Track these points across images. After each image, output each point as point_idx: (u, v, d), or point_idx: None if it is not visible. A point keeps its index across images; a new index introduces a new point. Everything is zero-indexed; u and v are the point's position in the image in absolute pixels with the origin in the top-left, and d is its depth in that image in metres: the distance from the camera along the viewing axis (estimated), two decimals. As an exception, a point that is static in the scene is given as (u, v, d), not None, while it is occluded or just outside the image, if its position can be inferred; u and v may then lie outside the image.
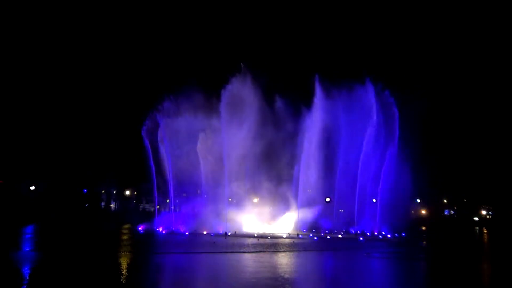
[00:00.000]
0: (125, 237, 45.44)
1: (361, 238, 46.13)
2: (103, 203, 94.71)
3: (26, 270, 23.18)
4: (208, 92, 55.60)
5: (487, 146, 76.25)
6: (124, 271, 23.62)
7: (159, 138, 54.03)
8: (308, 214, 55.54)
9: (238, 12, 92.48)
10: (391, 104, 52.27)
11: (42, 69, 78.84)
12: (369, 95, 52.78)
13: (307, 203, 55.31)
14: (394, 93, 52.51)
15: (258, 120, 55.64)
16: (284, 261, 28.53)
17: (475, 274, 24.47)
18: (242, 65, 55.38)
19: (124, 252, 31.92)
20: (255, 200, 57.99)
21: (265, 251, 33.12)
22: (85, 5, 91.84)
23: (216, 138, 55.04)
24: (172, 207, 58.33)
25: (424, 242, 44.35)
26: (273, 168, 57.30)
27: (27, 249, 32.28)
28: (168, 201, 60.89)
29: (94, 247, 33.46)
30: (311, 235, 48.76)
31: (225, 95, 53.32)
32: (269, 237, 46.13)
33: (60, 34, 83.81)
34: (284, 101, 56.83)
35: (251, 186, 57.49)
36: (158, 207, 62.29)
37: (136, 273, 23.22)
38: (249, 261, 28.12)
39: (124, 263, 26.77)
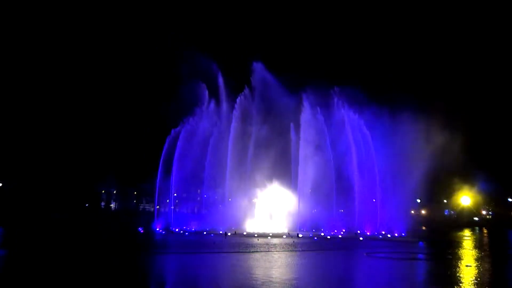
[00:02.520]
0: (124, 237, 45.42)
1: (361, 238, 46.10)
2: (103, 203, 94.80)
3: (26, 271, 23.13)
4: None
5: (487, 145, 76.21)
6: (122, 272, 23.59)
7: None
8: (308, 213, 55.58)
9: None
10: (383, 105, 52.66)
11: (43, 68, 78.90)
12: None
13: (307, 203, 55.34)
14: (395, 91, 52.67)
15: (261, 122, 56.32)
16: (284, 261, 28.49)
17: (476, 274, 24.43)
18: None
19: (123, 252, 31.89)
20: (255, 199, 57.98)
21: (265, 251, 33.09)
22: (86, 4, 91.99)
23: (220, 140, 55.58)
24: (172, 207, 58.42)
25: (424, 242, 44.28)
26: (273, 168, 57.42)
27: (27, 249, 32.23)
28: (168, 201, 60.98)
29: (94, 247, 33.43)
30: (311, 234, 48.75)
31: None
32: (269, 237, 46.14)
33: (58, 33, 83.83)
34: (285, 100, 57.19)
35: (251, 186, 57.59)
36: (158, 207, 62.34)
37: (136, 273, 23.20)
38: (248, 261, 28.10)
39: (123, 263, 26.74)
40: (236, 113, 56.37)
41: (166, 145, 53.70)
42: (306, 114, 54.45)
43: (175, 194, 57.12)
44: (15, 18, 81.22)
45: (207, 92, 57.37)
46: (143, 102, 72.28)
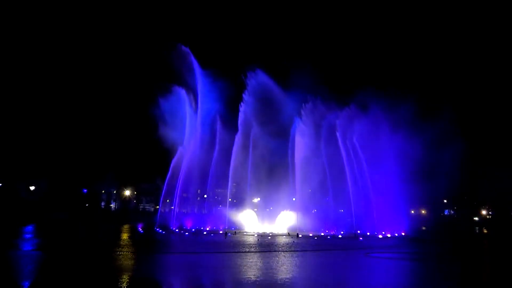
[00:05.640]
0: (124, 237, 45.46)
1: (360, 238, 46.12)
2: (103, 203, 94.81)
3: (26, 270, 23.17)
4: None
5: (487, 146, 76.30)
6: (122, 272, 23.62)
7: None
8: (307, 213, 55.66)
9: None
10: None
11: (42, 68, 79.00)
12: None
13: (307, 203, 55.39)
14: (394, 91, 52.91)
15: (260, 124, 56.52)
16: (283, 261, 28.47)
17: (476, 274, 24.47)
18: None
19: (123, 252, 31.91)
20: (255, 200, 58.08)
21: (264, 251, 33.14)
22: (85, 4, 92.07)
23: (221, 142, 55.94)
24: (172, 207, 58.52)
25: (424, 242, 44.33)
26: (273, 168, 57.54)
27: (27, 249, 32.28)
28: (168, 201, 61.08)
29: (94, 247, 33.47)
30: (310, 234, 48.78)
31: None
32: (269, 237, 46.19)
33: (59, 33, 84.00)
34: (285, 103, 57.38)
35: (251, 186, 57.67)
36: (157, 207, 62.50)
37: (136, 274, 23.22)
38: (248, 261, 28.11)
39: (123, 263, 26.77)
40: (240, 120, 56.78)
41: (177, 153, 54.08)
42: (303, 123, 54.70)
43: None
44: (16, 19, 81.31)
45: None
46: (144, 102, 72.39)
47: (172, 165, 53.71)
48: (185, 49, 55.82)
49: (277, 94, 57.40)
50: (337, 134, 53.07)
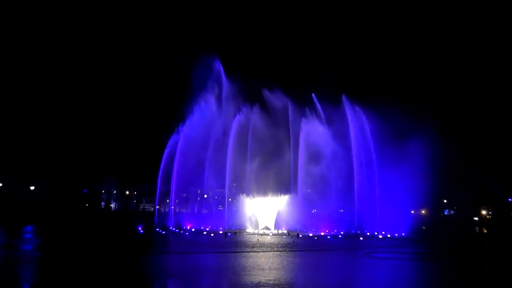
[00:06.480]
0: (125, 237, 45.43)
1: (361, 238, 46.13)
2: (103, 203, 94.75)
3: (26, 271, 23.15)
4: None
5: (487, 146, 76.29)
6: (122, 272, 23.60)
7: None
8: (308, 213, 55.61)
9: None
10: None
11: (42, 68, 78.96)
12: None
13: (307, 203, 55.34)
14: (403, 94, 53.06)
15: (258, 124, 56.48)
16: (283, 261, 28.49)
17: (476, 274, 24.45)
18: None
19: (123, 252, 31.90)
20: (255, 200, 57.97)
21: (265, 251, 33.12)
22: (85, 3, 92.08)
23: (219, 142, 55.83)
24: (172, 207, 58.47)
25: (424, 242, 44.30)
26: (273, 169, 57.49)
27: (27, 249, 32.27)
28: (168, 201, 61.00)
29: (94, 248, 33.44)
30: (311, 234, 48.77)
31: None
32: (269, 237, 46.18)
33: (59, 34, 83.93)
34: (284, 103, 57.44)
35: (251, 186, 57.63)
36: (158, 207, 62.47)
37: (136, 274, 23.20)
38: (247, 261, 28.10)
39: (123, 263, 26.75)
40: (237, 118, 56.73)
41: (167, 148, 53.88)
42: (308, 120, 54.62)
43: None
44: (18, 19, 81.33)
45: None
46: (143, 102, 72.53)
47: (166, 150, 53.55)
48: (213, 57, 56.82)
49: (283, 94, 57.57)
50: (350, 134, 52.94)
